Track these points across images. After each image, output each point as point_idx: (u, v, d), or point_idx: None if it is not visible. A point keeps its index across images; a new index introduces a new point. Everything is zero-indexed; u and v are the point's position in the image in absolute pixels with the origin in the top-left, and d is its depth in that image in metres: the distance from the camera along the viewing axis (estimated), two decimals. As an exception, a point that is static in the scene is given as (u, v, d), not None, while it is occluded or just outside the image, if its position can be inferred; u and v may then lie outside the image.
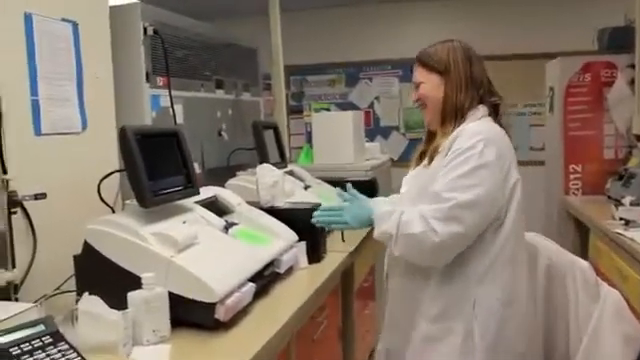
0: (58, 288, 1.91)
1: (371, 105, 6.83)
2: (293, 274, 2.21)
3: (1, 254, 1.80)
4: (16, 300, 1.86)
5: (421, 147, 1.97)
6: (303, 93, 6.99)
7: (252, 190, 2.54)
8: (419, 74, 1.90)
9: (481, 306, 1.72)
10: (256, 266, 1.86)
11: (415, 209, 1.72)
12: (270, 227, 2.19)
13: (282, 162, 3.11)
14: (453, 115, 1.82)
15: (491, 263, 1.72)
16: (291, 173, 3.07)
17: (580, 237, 4.16)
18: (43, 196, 1.89)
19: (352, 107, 6.62)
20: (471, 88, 1.82)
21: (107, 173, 1.83)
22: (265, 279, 1.94)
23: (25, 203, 1.88)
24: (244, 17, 5.29)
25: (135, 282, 1.55)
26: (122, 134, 1.69)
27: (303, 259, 2.29)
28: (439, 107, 1.85)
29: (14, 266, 1.84)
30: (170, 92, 2.66)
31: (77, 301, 1.62)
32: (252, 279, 1.80)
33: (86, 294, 1.47)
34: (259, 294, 1.88)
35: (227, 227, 2.03)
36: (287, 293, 2.02)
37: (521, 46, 6.45)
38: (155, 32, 2.61)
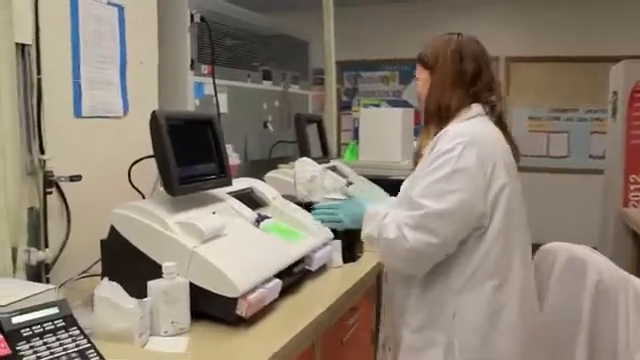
0: (86, 271, 1.91)
1: (424, 104, 6.66)
2: (326, 273, 2.14)
3: (35, 233, 1.80)
4: (47, 281, 1.87)
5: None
6: (357, 89, 6.91)
7: (290, 184, 2.48)
8: (417, 69, 1.81)
9: (461, 318, 1.60)
10: (285, 262, 1.80)
11: (395, 213, 1.64)
12: (304, 223, 2.12)
13: (324, 157, 3.05)
14: (436, 115, 1.71)
15: (472, 273, 1.60)
16: (334, 169, 3.00)
17: (638, 252, 3.93)
18: (78, 178, 1.90)
19: (405, 105, 6.48)
20: (459, 86, 1.69)
21: (138, 159, 1.80)
22: (294, 276, 1.88)
23: (61, 184, 1.89)
24: (299, 11, 5.26)
25: (157, 270, 1.52)
26: (153, 119, 1.66)
27: (338, 258, 2.21)
28: (424, 105, 1.77)
29: (47, 246, 1.85)
30: (214, 80, 2.63)
31: (101, 286, 1.61)
32: (280, 275, 1.74)
33: (105, 280, 1.45)
34: (287, 291, 1.82)
35: (259, 220, 1.97)
36: (317, 292, 1.95)
37: (583, 49, 6.20)
38: (202, 19, 2.59)
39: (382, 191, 3.04)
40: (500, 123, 1.74)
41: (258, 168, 2.90)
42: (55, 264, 1.87)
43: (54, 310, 1.27)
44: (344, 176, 3.06)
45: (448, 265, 1.61)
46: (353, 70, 6.78)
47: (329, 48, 3.88)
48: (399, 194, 1.81)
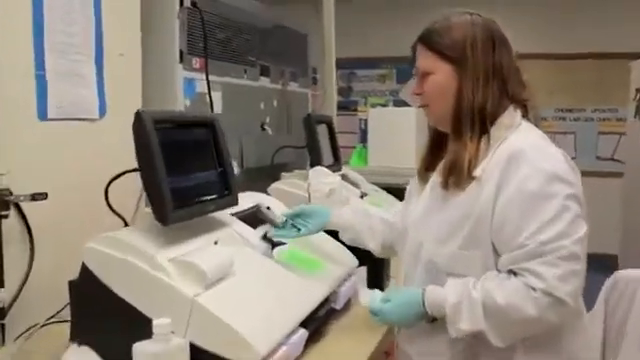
0: (54, 316, 1.56)
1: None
2: (351, 309, 1.76)
3: (-14, 269, 1.52)
4: (2, 328, 1.55)
5: (426, 155, 1.50)
6: (351, 88, 6.62)
7: (301, 197, 2.12)
8: (425, 60, 1.41)
9: None
10: (310, 305, 1.42)
11: (499, 277, 1.27)
12: (325, 248, 1.75)
13: (336, 164, 2.68)
14: (469, 119, 1.33)
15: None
16: (344, 177, 2.62)
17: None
18: (43, 196, 1.60)
19: (402, 105, 6.24)
20: (493, 82, 1.35)
21: (117, 174, 1.40)
22: (319, 320, 1.49)
23: (21, 204, 1.60)
24: (294, 2, 4.93)
25: (145, 324, 1.13)
26: (137, 121, 1.25)
27: (363, 289, 1.82)
28: (450, 108, 1.36)
29: (2, 285, 1.55)
30: (207, 76, 2.37)
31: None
32: (304, 322, 1.36)
33: (73, 347, 1.04)
34: (310, 339, 1.43)
35: (272, 246, 1.58)
36: (346, 337, 1.58)
37: (591, 45, 5.94)
38: (193, 4, 2.35)
39: (398, 203, 2.66)
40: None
41: (256, 178, 2.62)
42: (12, 307, 1.57)
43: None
44: (356, 185, 2.68)
45: None
46: (347, 68, 6.44)
47: (329, 41, 3.56)
48: (414, 213, 1.45)
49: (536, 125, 1.39)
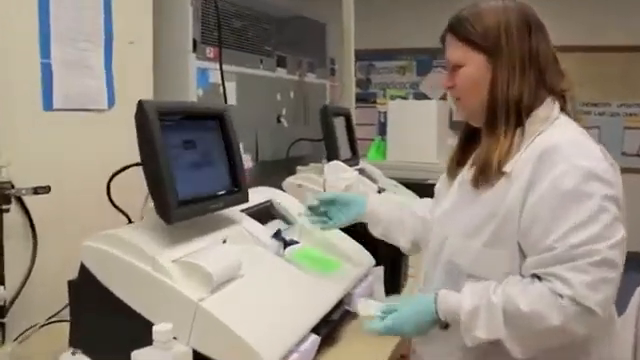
0: (55, 315, 1.50)
1: (443, 97, 6.22)
2: (367, 311, 1.67)
3: (-14, 266, 1.47)
4: (1, 328, 1.49)
5: (457, 150, 1.40)
6: (370, 80, 6.50)
7: (315, 193, 2.00)
8: (455, 51, 1.30)
9: None
10: (323, 309, 1.34)
11: (523, 282, 1.17)
12: (340, 247, 1.66)
13: (354, 158, 2.59)
14: (504, 113, 1.23)
15: None
16: (362, 172, 2.52)
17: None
18: (46, 190, 1.53)
19: (423, 98, 6.16)
20: (530, 71, 1.24)
21: (120, 168, 1.33)
22: (332, 324, 1.40)
23: (23, 198, 1.54)
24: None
25: (146, 329, 1.05)
26: (140, 112, 1.17)
27: (380, 291, 1.74)
28: (483, 101, 1.25)
29: (2, 282, 1.48)
30: (221, 66, 2.26)
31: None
32: (316, 327, 1.28)
33: (66, 355, 0.96)
34: (322, 344, 1.35)
35: (284, 245, 1.50)
36: (360, 341, 1.48)
37: (617, 37, 5.77)
38: None
39: (419, 199, 2.56)
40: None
41: (271, 171, 2.54)
42: (13, 305, 1.51)
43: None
44: (374, 180, 2.59)
45: None
46: (366, 60, 6.32)
47: (348, 33, 3.45)
48: (439, 209, 1.36)
49: (575, 118, 1.28)
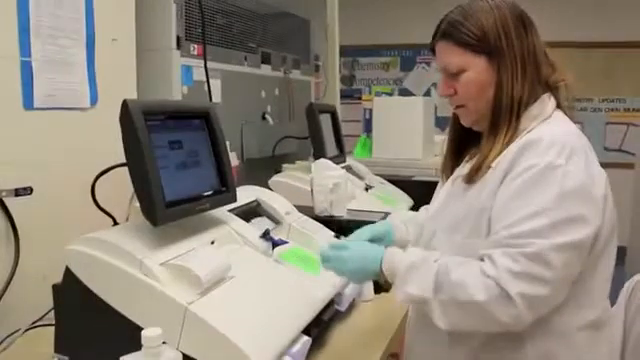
0: (41, 318, 1.47)
1: (427, 93, 6.22)
2: (355, 310, 1.67)
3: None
4: None
5: (450, 154, 1.40)
6: (354, 76, 6.46)
7: (301, 191, 2.02)
8: (452, 58, 1.24)
9: None
10: (314, 309, 1.31)
11: (464, 259, 1.17)
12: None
13: (340, 155, 2.56)
14: (507, 113, 1.21)
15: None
16: (349, 169, 2.51)
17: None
18: (28, 191, 1.52)
19: (407, 94, 6.16)
20: (530, 70, 1.22)
21: (104, 169, 1.29)
22: (323, 324, 1.39)
23: (4, 199, 1.50)
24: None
25: (134, 333, 1.02)
26: (124, 111, 1.14)
27: (369, 289, 1.73)
28: (488, 104, 1.23)
29: None
30: (206, 63, 2.24)
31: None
32: (306, 329, 1.26)
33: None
34: (314, 344, 1.33)
35: (273, 245, 1.48)
36: (352, 341, 1.47)
37: (599, 33, 5.81)
38: None
39: (406, 196, 2.56)
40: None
41: (257, 169, 2.54)
42: None
43: None
44: (360, 178, 2.58)
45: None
46: (350, 56, 6.29)
47: (332, 29, 3.44)
48: (440, 220, 1.32)
49: (569, 108, 1.26)
